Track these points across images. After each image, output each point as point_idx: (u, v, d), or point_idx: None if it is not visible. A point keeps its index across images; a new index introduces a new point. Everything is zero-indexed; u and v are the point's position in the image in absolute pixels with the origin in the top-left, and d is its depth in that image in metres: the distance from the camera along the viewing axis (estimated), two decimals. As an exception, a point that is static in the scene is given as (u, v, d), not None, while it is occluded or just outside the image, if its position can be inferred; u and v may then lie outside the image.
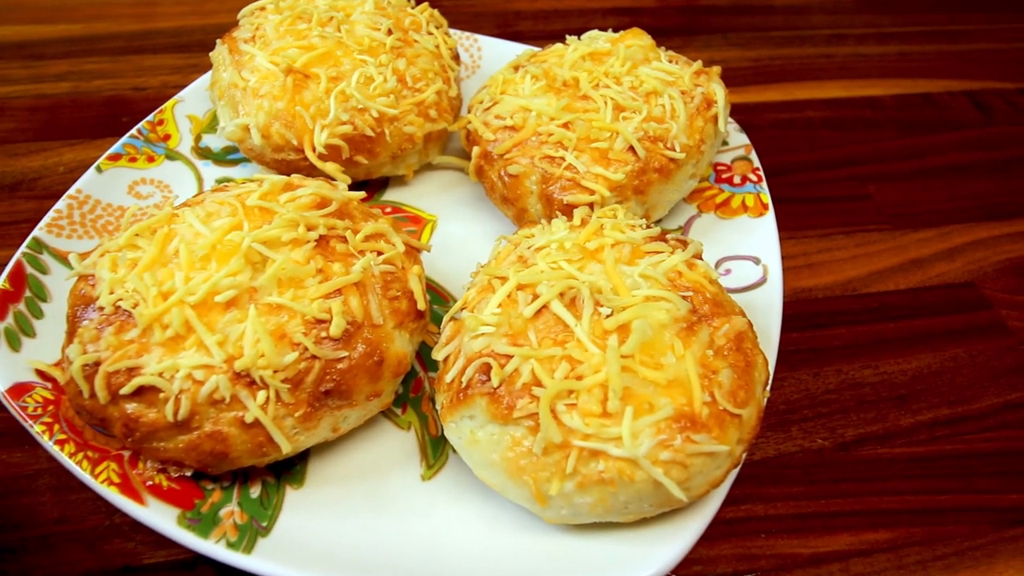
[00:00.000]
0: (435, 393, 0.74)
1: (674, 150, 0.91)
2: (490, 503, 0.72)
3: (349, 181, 0.93)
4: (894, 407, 0.92)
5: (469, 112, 1.01)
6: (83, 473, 0.68)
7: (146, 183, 0.99)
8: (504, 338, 0.68)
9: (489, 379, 0.66)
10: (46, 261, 0.85)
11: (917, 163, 1.28)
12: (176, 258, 0.71)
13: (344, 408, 0.71)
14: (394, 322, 0.74)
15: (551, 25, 1.56)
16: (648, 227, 0.80)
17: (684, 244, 0.78)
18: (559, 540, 0.69)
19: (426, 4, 1.10)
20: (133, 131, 1.02)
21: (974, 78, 1.48)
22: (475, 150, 0.96)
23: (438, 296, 0.92)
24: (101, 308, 0.69)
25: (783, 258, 0.93)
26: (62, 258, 0.86)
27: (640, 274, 0.72)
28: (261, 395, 0.66)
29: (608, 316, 0.68)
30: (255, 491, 0.72)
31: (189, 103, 1.09)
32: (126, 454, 0.71)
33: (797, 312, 1.01)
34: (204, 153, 1.05)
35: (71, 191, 0.92)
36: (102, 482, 0.68)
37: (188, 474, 0.71)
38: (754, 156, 1.05)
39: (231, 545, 0.66)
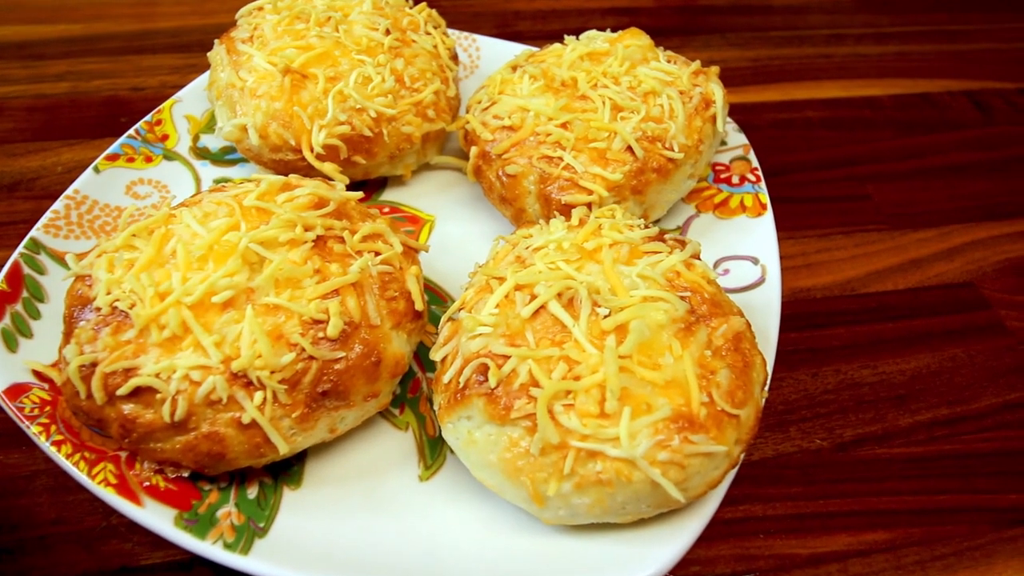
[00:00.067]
0: (433, 394, 0.74)
1: (672, 150, 0.91)
2: (488, 504, 0.72)
3: (347, 181, 0.93)
4: (893, 407, 0.92)
5: (467, 112, 1.01)
6: (80, 474, 0.68)
7: (144, 183, 0.99)
8: (502, 338, 0.68)
9: (487, 380, 0.66)
10: (43, 262, 0.85)
11: (916, 163, 1.28)
12: (173, 258, 0.71)
13: (341, 409, 0.71)
14: (392, 322, 0.74)
15: (550, 25, 1.55)
16: (646, 227, 0.80)
17: (682, 244, 0.78)
18: (557, 541, 0.69)
19: (424, 4, 1.10)
20: (131, 131, 1.02)
21: (973, 78, 1.48)
22: (473, 150, 0.96)
23: (436, 296, 0.91)
24: (98, 309, 0.69)
25: (782, 258, 0.93)
26: (59, 259, 0.86)
27: (638, 274, 0.71)
28: (258, 396, 0.66)
29: (606, 316, 0.68)
30: (252, 492, 0.72)
31: (187, 103, 1.09)
32: (123, 455, 0.71)
33: (796, 312, 1.01)
34: (202, 153, 1.05)
35: (68, 191, 0.92)
36: (99, 483, 0.68)
37: (185, 475, 0.70)
38: (752, 156, 1.05)
39: (228, 546, 0.66)
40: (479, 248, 0.93)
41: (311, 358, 0.68)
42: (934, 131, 1.35)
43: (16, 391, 0.73)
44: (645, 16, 1.60)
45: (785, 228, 1.09)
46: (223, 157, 1.05)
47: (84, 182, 0.94)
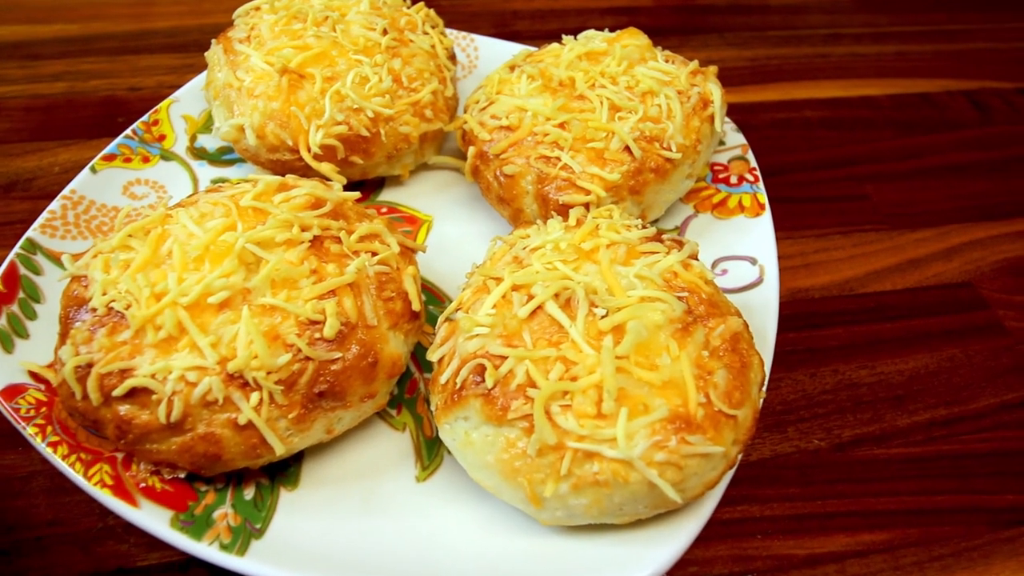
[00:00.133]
0: (430, 394, 0.74)
1: (670, 150, 0.91)
2: (485, 505, 0.72)
3: (344, 181, 0.92)
4: (891, 407, 0.92)
5: (465, 112, 1.01)
6: (76, 475, 0.68)
7: (141, 183, 0.99)
8: (499, 339, 0.68)
9: (483, 380, 0.66)
10: (40, 262, 0.85)
11: (915, 163, 1.28)
12: (169, 259, 0.71)
13: (338, 409, 0.71)
14: (389, 323, 0.73)
15: (548, 25, 1.55)
16: (644, 227, 0.80)
17: (680, 244, 0.78)
18: (554, 542, 0.69)
19: (422, 4, 1.10)
20: (128, 131, 1.02)
21: (972, 78, 1.48)
22: (471, 150, 0.96)
23: (434, 297, 0.91)
24: (94, 309, 0.69)
25: (780, 258, 0.93)
26: (56, 259, 0.86)
27: (635, 275, 0.71)
28: (254, 396, 0.66)
29: (603, 317, 0.67)
30: (249, 493, 0.71)
31: (184, 103, 1.08)
32: (119, 456, 0.71)
33: (794, 312, 1.01)
34: (199, 153, 1.05)
35: (65, 192, 0.92)
36: (95, 484, 0.68)
37: (181, 476, 0.70)
38: (751, 156, 1.05)
39: (224, 547, 0.66)
40: (477, 248, 0.93)
41: (307, 359, 0.68)
42: (933, 131, 1.35)
43: (12, 392, 0.73)
44: (644, 16, 1.60)
45: (783, 228, 1.09)
46: (220, 157, 1.05)
47: (81, 182, 0.94)
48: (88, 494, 0.68)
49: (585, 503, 0.64)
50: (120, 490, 0.68)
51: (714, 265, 0.93)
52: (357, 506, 0.72)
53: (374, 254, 0.76)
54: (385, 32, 1.01)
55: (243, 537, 0.67)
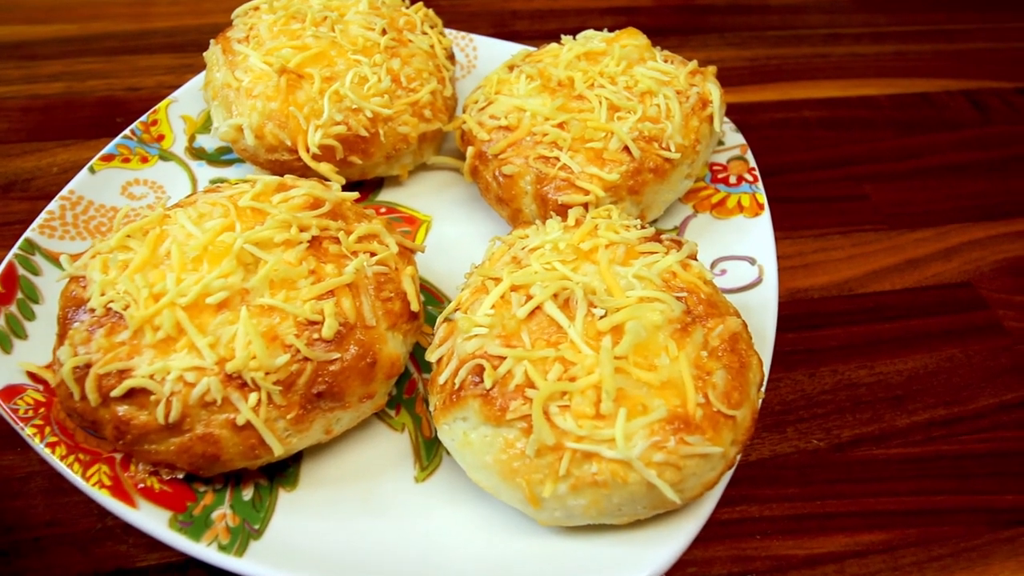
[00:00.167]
0: (428, 395, 0.74)
1: (669, 150, 0.91)
2: (484, 505, 0.72)
3: (343, 182, 0.92)
4: (890, 407, 0.92)
5: (464, 112, 1.01)
6: (74, 476, 0.68)
7: (139, 184, 0.99)
8: (497, 339, 0.68)
9: (482, 381, 0.66)
10: (38, 262, 0.85)
11: (914, 163, 1.28)
12: (168, 259, 0.71)
13: (337, 410, 0.71)
14: (387, 323, 0.73)
15: (547, 25, 1.55)
16: (643, 227, 0.80)
17: (679, 244, 0.78)
18: (553, 542, 0.69)
19: (420, 4, 1.10)
20: (126, 131, 1.02)
21: (971, 77, 1.48)
22: (470, 150, 0.96)
23: (432, 297, 0.91)
24: (92, 310, 0.69)
25: (779, 258, 0.93)
26: (54, 259, 0.86)
27: (634, 275, 0.71)
28: (253, 397, 0.66)
29: (602, 317, 0.67)
30: (247, 493, 0.71)
31: (183, 103, 1.08)
32: (118, 456, 0.71)
33: (793, 312, 1.01)
34: (198, 154, 1.05)
35: (63, 192, 0.92)
36: (93, 485, 0.68)
37: (180, 476, 0.70)
38: (750, 156, 1.05)
39: (223, 548, 0.66)
40: (476, 248, 0.93)
41: (306, 359, 0.68)
42: (932, 131, 1.35)
43: (10, 392, 0.73)
44: (643, 16, 1.60)
45: (782, 228, 1.09)
46: (219, 157, 1.05)
47: (79, 183, 0.94)
48: (86, 495, 0.68)
49: (584, 503, 0.64)
50: (118, 491, 0.68)
51: (713, 265, 0.93)
52: (356, 507, 0.72)
53: (373, 254, 0.76)
54: (384, 32, 1.01)
55: (241, 538, 0.67)
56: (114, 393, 0.65)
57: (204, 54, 1.04)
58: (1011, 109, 1.41)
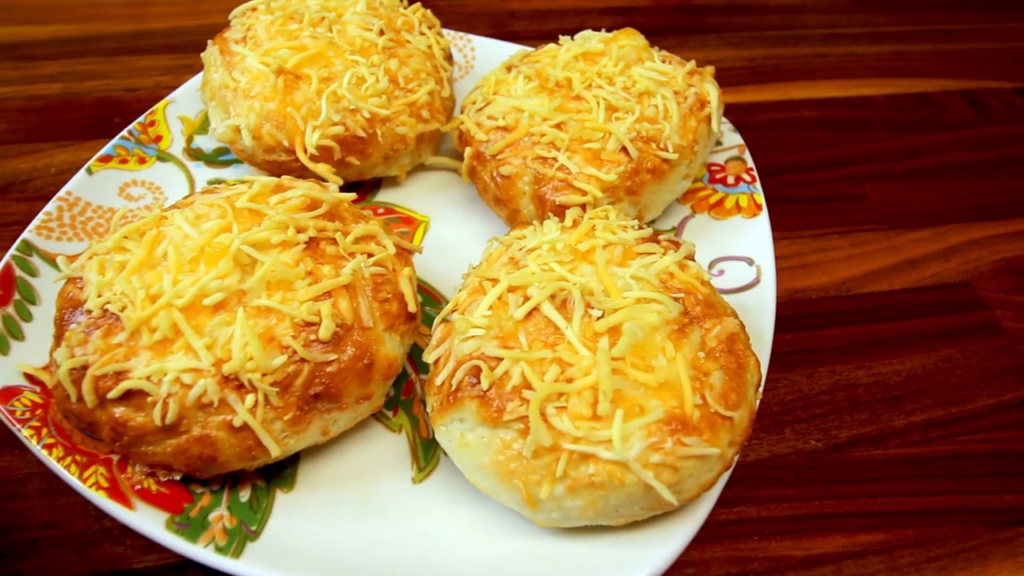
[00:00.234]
0: (426, 396, 0.74)
1: (667, 151, 0.91)
2: (481, 506, 0.72)
3: (341, 182, 0.92)
4: (888, 408, 0.92)
5: (462, 113, 1.01)
6: (71, 477, 0.68)
7: (137, 185, 0.99)
8: (494, 340, 0.68)
9: (479, 382, 0.66)
10: (35, 264, 0.85)
11: (912, 163, 1.28)
12: (165, 261, 0.71)
13: (334, 411, 0.71)
14: (384, 324, 0.73)
15: (546, 25, 1.55)
16: (640, 228, 0.80)
17: (676, 245, 0.78)
18: (550, 543, 0.69)
19: (418, 4, 1.09)
20: (124, 132, 1.02)
21: (970, 78, 1.48)
22: (468, 151, 0.96)
23: (430, 298, 0.91)
24: (89, 311, 0.69)
25: (778, 258, 0.93)
26: (52, 261, 0.85)
27: (631, 276, 0.71)
28: (250, 398, 0.66)
29: (599, 318, 0.67)
30: (245, 495, 0.71)
31: (181, 104, 1.08)
32: (114, 458, 0.71)
33: (791, 313, 1.01)
34: (196, 154, 1.05)
35: (61, 193, 0.92)
36: (90, 486, 0.68)
37: (177, 478, 0.70)
38: (748, 156, 1.05)
39: (220, 549, 0.66)
40: (474, 249, 0.93)
41: (303, 360, 0.68)
42: (930, 131, 1.35)
43: (7, 394, 0.73)
44: (641, 16, 1.60)
45: (781, 228, 1.09)
46: (217, 158, 1.05)
47: (77, 184, 0.94)
48: (84, 496, 0.68)
49: (581, 505, 0.64)
50: (115, 492, 0.68)
51: (711, 266, 0.93)
52: (353, 508, 0.72)
53: (370, 255, 0.76)
54: (382, 33, 1.01)
55: (239, 539, 0.67)
56: (111, 395, 0.65)
57: (202, 55, 1.04)
58: (1010, 109, 1.41)
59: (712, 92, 0.97)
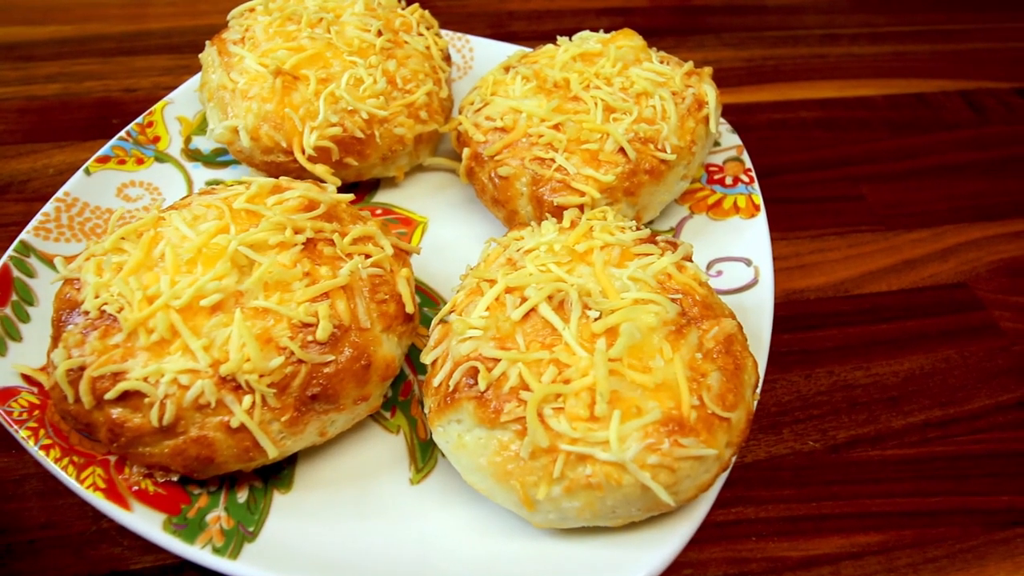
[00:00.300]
0: (423, 397, 0.74)
1: (665, 151, 0.91)
2: (479, 507, 0.72)
3: (339, 183, 0.92)
4: (886, 409, 0.92)
5: (460, 113, 1.01)
6: (68, 478, 0.68)
7: (135, 185, 0.99)
8: (492, 341, 0.68)
9: (476, 383, 0.66)
10: (33, 264, 0.85)
11: (910, 163, 1.28)
12: (162, 261, 0.71)
13: (331, 412, 0.71)
14: (382, 325, 0.73)
15: (544, 25, 1.55)
16: (638, 229, 0.80)
17: (674, 246, 0.78)
18: (547, 544, 0.69)
19: (416, 5, 1.09)
20: (122, 133, 1.02)
21: (968, 78, 1.48)
22: (465, 152, 0.96)
23: (428, 299, 0.91)
24: (86, 312, 0.69)
25: (776, 259, 0.93)
26: (49, 262, 0.85)
27: (629, 276, 0.71)
28: (247, 400, 0.66)
29: (596, 319, 0.67)
30: (242, 496, 0.71)
31: (179, 105, 1.08)
32: (112, 459, 0.70)
33: (789, 313, 1.01)
34: (194, 155, 1.04)
35: (59, 194, 0.92)
36: (88, 487, 0.68)
37: (174, 479, 0.70)
38: (746, 157, 1.05)
39: (217, 550, 0.66)
40: (472, 250, 0.93)
41: (300, 361, 0.68)
42: (929, 131, 1.35)
43: (5, 395, 0.73)
44: (640, 16, 1.60)
45: (779, 229, 1.09)
46: (215, 159, 1.05)
47: (75, 184, 0.94)
48: (81, 497, 0.68)
49: (578, 506, 0.64)
50: (113, 493, 0.68)
51: (709, 266, 0.93)
52: (351, 509, 0.72)
53: (368, 256, 0.76)
54: (380, 33, 1.01)
55: (236, 540, 0.67)
56: (108, 396, 0.65)
57: (200, 55, 1.04)
58: (1007, 110, 1.41)
59: (710, 93, 0.97)
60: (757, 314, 0.85)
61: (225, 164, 1.04)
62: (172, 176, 1.02)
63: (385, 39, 1.00)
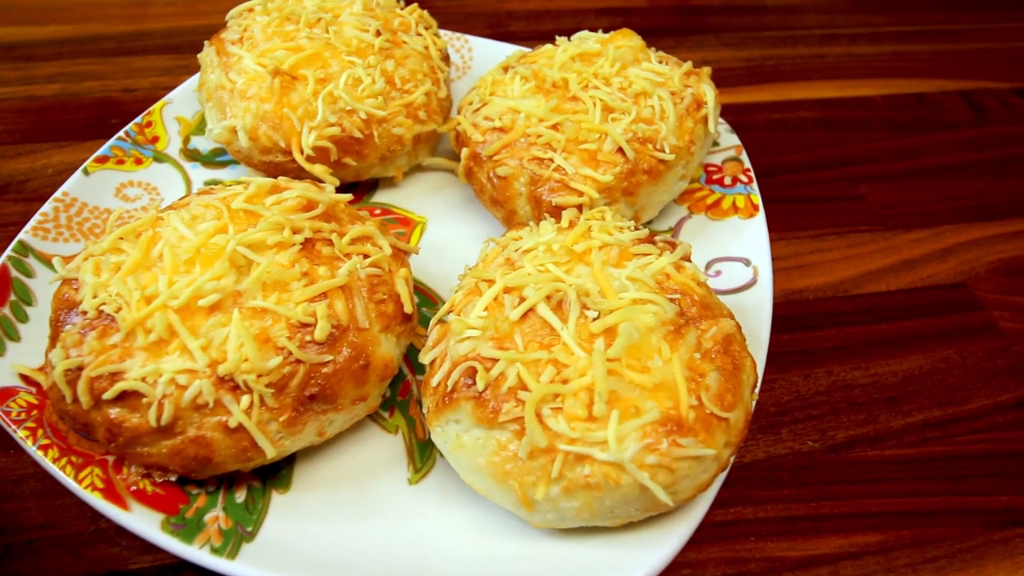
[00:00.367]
0: (422, 397, 0.74)
1: (663, 151, 0.91)
2: (477, 507, 0.72)
3: (337, 183, 0.92)
4: (885, 408, 0.92)
5: (459, 113, 1.01)
6: (67, 478, 0.68)
7: (134, 185, 0.98)
8: (490, 341, 0.68)
9: (475, 383, 0.66)
10: (31, 265, 0.85)
11: (910, 163, 1.28)
12: (160, 262, 0.71)
13: (329, 412, 0.70)
14: (380, 325, 0.73)
15: (543, 25, 1.55)
16: (637, 229, 0.80)
17: (672, 246, 0.78)
18: (546, 544, 0.69)
19: (415, 5, 1.09)
20: (121, 133, 1.02)
21: (968, 78, 1.48)
22: (464, 152, 0.96)
23: (427, 299, 0.91)
24: (84, 312, 0.69)
25: (775, 259, 0.93)
26: (48, 262, 0.85)
27: (627, 276, 0.71)
28: (245, 400, 0.66)
29: (595, 319, 0.67)
30: (240, 496, 0.71)
31: (178, 105, 1.08)
32: (110, 459, 0.70)
33: (788, 313, 1.01)
34: (192, 155, 1.04)
35: (57, 194, 0.92)
36: (86, 487, 0.68)
37: (173, 479, 0.70)
38: (745, 157, 1.05)
39: (215, 550, 0.66)
40: (471, 250, 0.93)
41: (298, 361, 0.68)
42: (928, 131, 1.35)
43: (3, 395, 0.73)
44: (639, 16, 1.60)
45: (778, 229, 1.09)
46: (214, 159, 1.05)
47: (73, 184, 0.94)
48: (79, 497, 0.68)
49: (576, 506, 0.64)
50: (111, 493, 0.68)
51: (708, 266, 0.93)
52: (349, 509, 0.72)
53: (366, 256, 0.76)
54: (378, 33, 1.01)
55: (234, 540, 0.67)
56: (106, 396, 0.65)
57: (198, 56, 1.04)
58: (1007, 110, 1.41)
59: (709, 93, 0.97)
60: (756, 314, 0.85)
61: (224, 164, 1.04)
62: (171, 176, 1.02)
63: (384, 39, 1.00)
